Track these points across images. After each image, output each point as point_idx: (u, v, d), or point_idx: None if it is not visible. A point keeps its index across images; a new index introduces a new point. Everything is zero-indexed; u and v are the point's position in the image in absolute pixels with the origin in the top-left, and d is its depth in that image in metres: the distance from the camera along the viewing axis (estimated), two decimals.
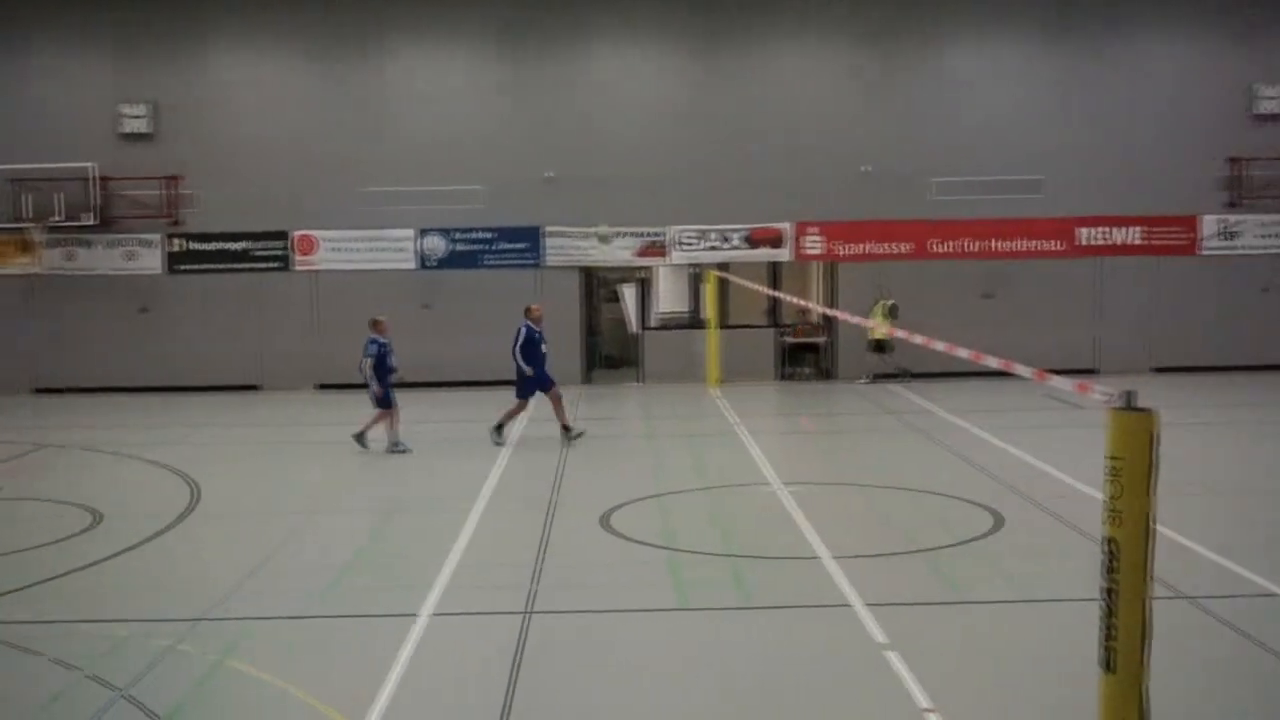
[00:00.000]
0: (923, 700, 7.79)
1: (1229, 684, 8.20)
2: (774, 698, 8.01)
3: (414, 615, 9.78)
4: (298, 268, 25.94)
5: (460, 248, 25.96)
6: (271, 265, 25.92)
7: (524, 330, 18.14)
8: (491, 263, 25.93)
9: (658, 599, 10.26)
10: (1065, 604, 9.71)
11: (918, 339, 9.85)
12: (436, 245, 25.91)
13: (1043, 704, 7.80)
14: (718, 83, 25.97)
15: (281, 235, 25.88)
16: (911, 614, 9.73)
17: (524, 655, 8.83)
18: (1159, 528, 11.23)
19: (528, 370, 18.05)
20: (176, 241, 25.89)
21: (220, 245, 25.93)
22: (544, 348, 18.23)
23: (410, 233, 25.87)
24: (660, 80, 26.05)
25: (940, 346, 8.86)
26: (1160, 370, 25.85)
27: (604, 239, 24.72)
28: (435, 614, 9.88)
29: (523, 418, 18.65)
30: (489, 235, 25.96)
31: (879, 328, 21.59)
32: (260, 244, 25.95)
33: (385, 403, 17.77)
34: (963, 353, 7.59)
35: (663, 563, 11.44)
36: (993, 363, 6.87)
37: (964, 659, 8.72)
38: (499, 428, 18.23)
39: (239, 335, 25.98)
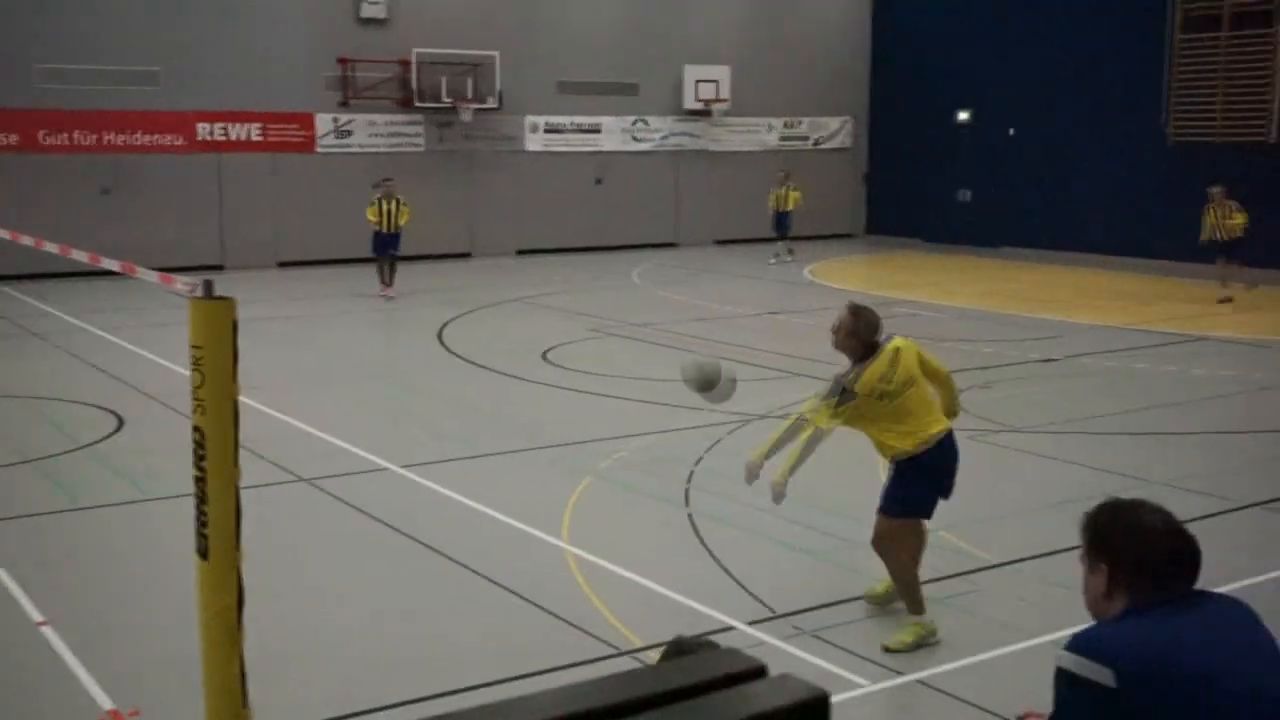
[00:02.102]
0: (35, 614, 7.46)
1: (342, 553, 8.75)
2: None
3: None
4: None
5: None
6: None
7: None
8: None
9: None
10: (181, 499, 9.71)
11: (26, 240, 9.21)
12: None
13: (156, 599, 7.80)
14: None
15: None
16: (22, 526, 9.26)
17: None
18: (281, 415, 11.77)
19: None
20: None
21: None
22: None
23: None
24: None
25: (52, 248, 8.36)
26: (285, 264, 26.57)
27: None
28: None
29: None
30: None
31: None
32: None
33: None
34: (51, 248, 7.22)
35: None
36: (81, 258, 6.61)
37: (79, 566, 8.47)
38: None
39: None
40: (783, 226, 28.14)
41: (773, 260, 27.32)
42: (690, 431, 12.03)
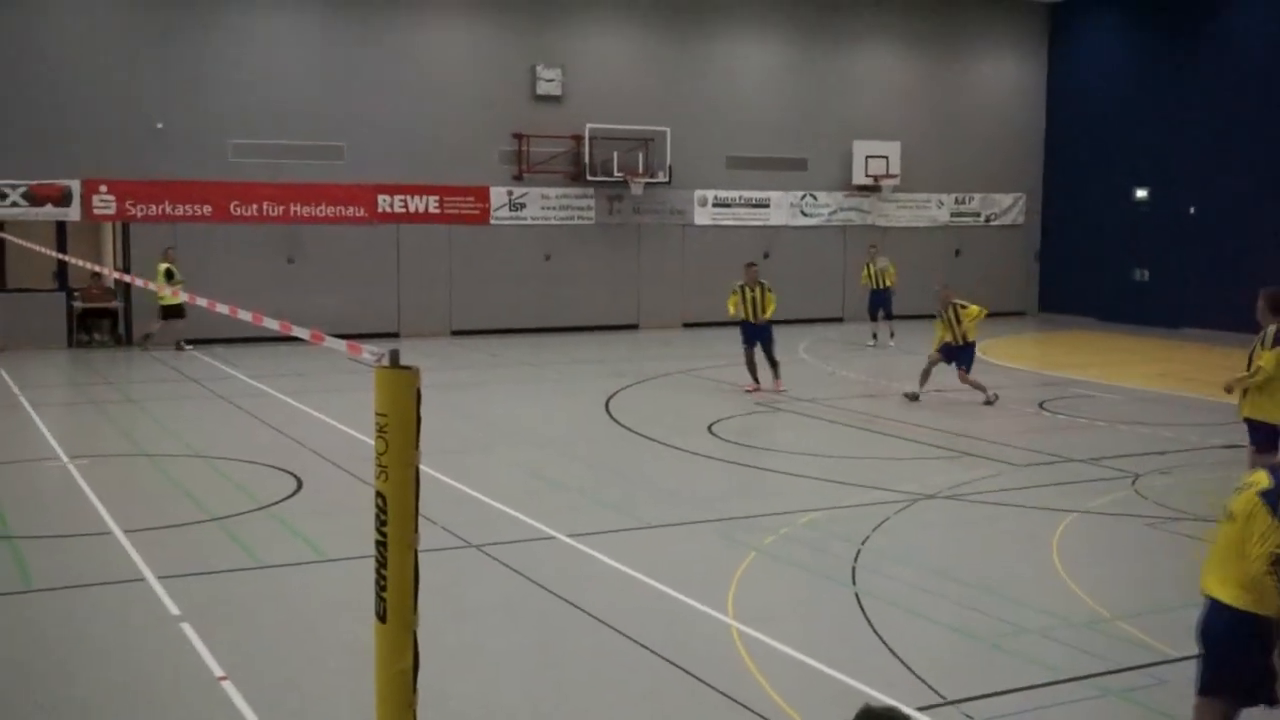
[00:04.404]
0: (217, 669, 7.70)
1: (509, 621, 8.86)
2: (66, 680, 7.58)
3: None
4: None
5: None
6: None
7: None
8: None
9: None
10: (356, 560, 9.97)
11: (214, 305, 9.63)
12: None
13: (332, 658, 8.00)
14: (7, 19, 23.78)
15: None
16: (205, 583, 9.57)
17: None
18: (451, 481, 12.00)
19: None
20: None
21: None
22: None
23: None
24: None
25: (246, 316, 8.72)
26: (458, 333, 27.23)
27: None
28: None
29: None
30: None
31: (162, 290, 20.88)
32: None
33: None
34: (244, 315, 7.55)
35: None
36: (273, 325, 6.89)
37: (257, 624, 8.73)
38: None
39: None
40: (879, 305, 26.07)
41: (870, 343, 25.86)
42: (857, 509, 11.90)
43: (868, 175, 30.99)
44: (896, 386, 18.76)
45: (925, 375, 18.46)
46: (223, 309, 8.93)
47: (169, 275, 23.51)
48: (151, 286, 16.49)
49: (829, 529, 11.22)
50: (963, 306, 18.56)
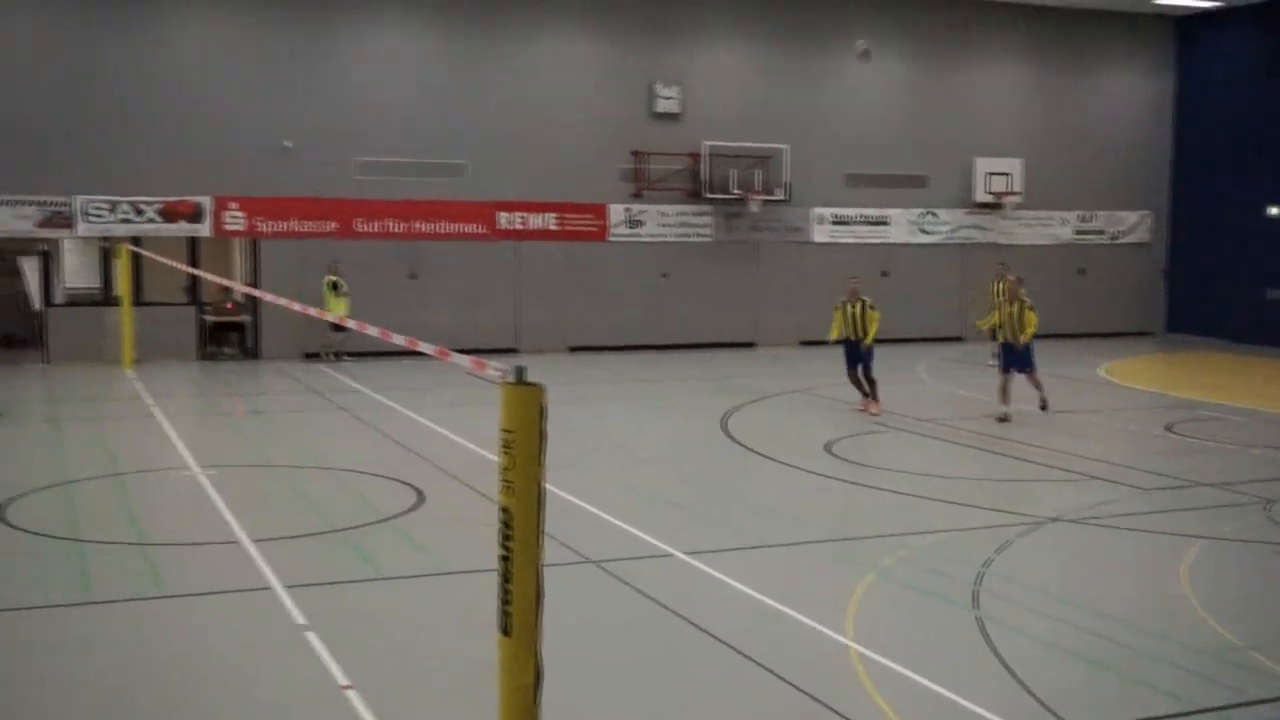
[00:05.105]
0: (341, 678, 7.84)
1: (626, 637, 8.88)
2: (196, 685, 7.78)
3: None
4: None
5: None
6: None
7: None
8: None
9: (59, 593, 9.61)
10: (477, 574, 10.08)
11: (350, 324, 9.86)
12: None
13: (452, 671, 8.09)
14: (127, 43, 24.53)
15: None
16: (329, 593, 9.76)
17: None
18: (568, 496, 12.08)
19: None
20: None
21: None
22: None
23: None
24: (65, 36, 24.23)
25: (373, 331, 8.92)
26: (576, 349, 27.43)
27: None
28: None
29: None
30: None
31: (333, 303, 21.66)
32: None
33: None
34: (372, 330, 7.69)
35: (66, 554, 10.74)
36: (400, 340, 7.01)
37: (381, 634, 8.86)
38: None
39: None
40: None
41: (991, 363, 22.60)
42: (979, 532, 11.72)
43: (989, 192, 30.57)
44: (1019, 408, 18.43)
45: (1004, 392, 18.22)
46: (350, 324, 9.13)
47: (334, 287, 24.28)
48: (313, 311, 16.94)
49: (949, 551, 11.07)
50: (1029, 308, 18.26)
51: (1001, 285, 21.47)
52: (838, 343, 19.36)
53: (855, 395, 19.30)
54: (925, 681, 7.85)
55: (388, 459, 15.06)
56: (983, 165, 30.52)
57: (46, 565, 10.44)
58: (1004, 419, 18.01)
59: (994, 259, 28.71)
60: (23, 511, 12.20)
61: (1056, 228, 31.88)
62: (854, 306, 18.91)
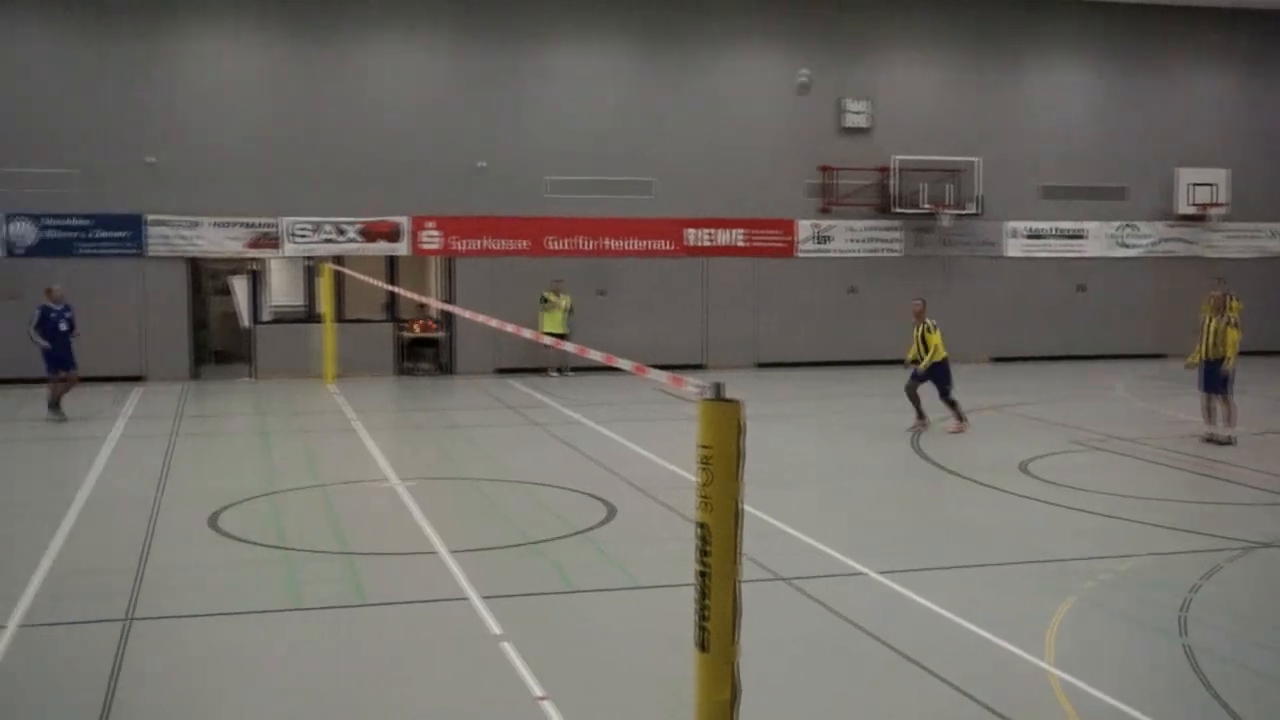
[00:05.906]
0: (536, 689, 7.95)
1: (819, 656, 8.81)
2: (392, 692, 7.99)
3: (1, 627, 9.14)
4: None
5: (52, 235, 24.35)
6: None
7: (38, 311, 19.41)
8: (87, 251, 24.45)
9: (268, 599, 10.00)
10: (669, 589, 10.13)
11: (546, 340, 10.06)
12: (25, 231, 24.21)
13: (646, 685, 8.13)
14: (329, 71, 25.49)
15: None
16: (525, 605, 9.91)
17: (123, 664, 8.41)
18: (759, 513, 12.05)
19: (43, 344, 19.22)
20: None
21: None
22: (62, 326, 19.36)
23: None
24: (270, 67, 25.32)
25: (570, 348, 9.08)
26: (763, 365, 27.38)
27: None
28: (25, 625, 9.25)
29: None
30: (85, 222, 24.48)
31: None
32: None
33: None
34: (569, 347, 7.80)
35: (275, 562, 11.17)
36: (596, 357, 7.10)
37: (574, 646, 8.96)
38: (53, 405, 19.19)
39: None
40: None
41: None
42: (1184, 556, 11.28)
43: (1192, 204, 29.47)
44: (1239, 430, 17.68)
45: (1209, 412, 17.45)
46: (546, 340, 9.28)
47: (543, 301, 25.35)
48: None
49: (1153, 576, 10.68)
50: (1233, 324, 17.37)
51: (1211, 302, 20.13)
52: (913, 362, 18.82)
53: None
54: (1132, 710, 7.58)
55: (578, 473, 15.26)
56: (1185, 175, 29.44)
57: (257, 573, 10.87)
58: (1213, 439, 17.30)
59: (1200, 273, 27.67)
60: (234, 520, 12.73)
61: (1265, 240, 30.54)
62: (916, 329, 18.66)
